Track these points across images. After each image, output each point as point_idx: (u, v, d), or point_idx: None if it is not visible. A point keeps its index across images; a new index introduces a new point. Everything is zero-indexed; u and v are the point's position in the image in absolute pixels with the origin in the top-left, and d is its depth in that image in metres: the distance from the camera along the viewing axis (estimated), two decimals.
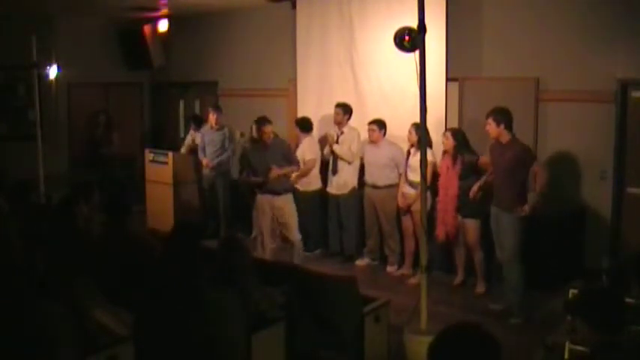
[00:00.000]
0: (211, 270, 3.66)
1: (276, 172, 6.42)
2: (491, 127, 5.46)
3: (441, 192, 6.27)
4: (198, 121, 9.04)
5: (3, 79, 9.79)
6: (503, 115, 5.44)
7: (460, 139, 6.15)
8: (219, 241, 4.25)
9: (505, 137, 5.44)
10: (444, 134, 6.28)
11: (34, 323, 3.09)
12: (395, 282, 6.59)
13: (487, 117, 5.51)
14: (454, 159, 6.12)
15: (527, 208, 5.34)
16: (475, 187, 5.85)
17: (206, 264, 3.66)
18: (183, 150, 8.94)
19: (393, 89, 7.20)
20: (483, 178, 5.85)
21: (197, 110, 10.04)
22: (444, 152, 6.31)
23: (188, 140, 9.00)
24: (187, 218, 8.07)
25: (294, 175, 6.95)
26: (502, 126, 5.42)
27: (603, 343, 2.56)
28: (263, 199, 6.59)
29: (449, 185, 6.16)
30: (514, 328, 5.28)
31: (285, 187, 6.57)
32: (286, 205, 6.56)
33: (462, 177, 6.07)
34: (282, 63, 8.63)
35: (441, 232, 6.27)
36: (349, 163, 7.11)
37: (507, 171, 5.40)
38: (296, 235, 6.65)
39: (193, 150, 8.81)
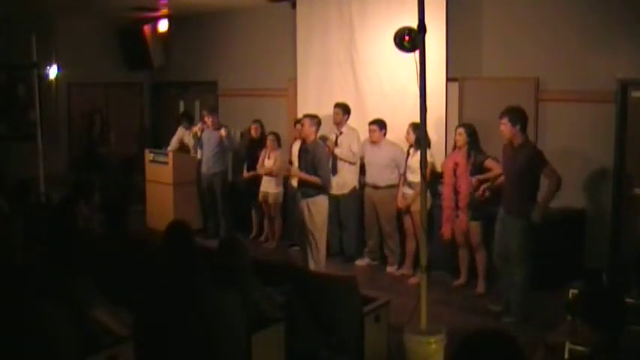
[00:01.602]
0: (211, 270, 3.66)
1: (292, 170, 6.41)
2: (507, 128, 5.29)
3: (447, 189, 6.21)
4: (189, 119, 9.03)
5: (3, 79, 9.79)
6: (519, 116, 5.29)
7: (472, 135, 6.08)
8: (218, 242, 4.25)
9: (518, 139, 5.29)
10: (457, 130, 6.20)
11: (34, 323, 3.09)
12: (395, 282, 6.59)
13: (502, 116, 5.32)
14: (468, 155, 6.03)
15: (535, 216, 5.21)
16: (481, 189, 5.80)
17: (205, 264, 3.66)
18: (170, 148, 8.89)
19: (393, 89, 7.20)
20: (489, 178, 5.79)
21: (197, 110, 10.04)
22: (455, 148, 6.25)
23: (177, 138, 8.95)
24: (179, 218, 8.05)
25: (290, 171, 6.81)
26: (518, 127, 5.26)
27: (603, 343, 2.56)
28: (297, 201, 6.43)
29: (460, 183, 6.08)
30: (513, 328, 5.27)
31: (312, 190, 6.13)
32: (310, 208, 6.12)
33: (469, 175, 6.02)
34: (282, 63, 8.62)
35: (447, 231, 6.23)
36: (352, 163, 7.10)
37: (518, 175, 5.29)
38: (315, 242, 6.16)
39: (183, 149, 8.80)
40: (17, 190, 5.40)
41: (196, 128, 8.36)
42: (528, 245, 5.32)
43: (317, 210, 6.14)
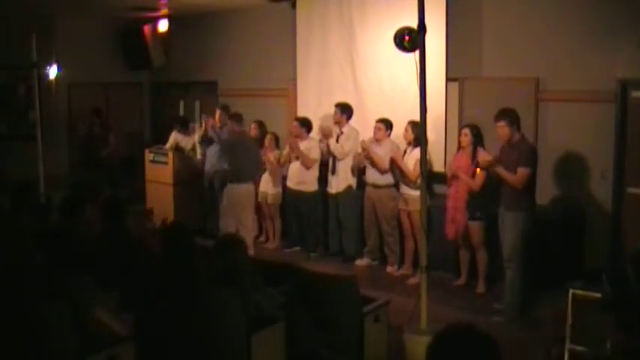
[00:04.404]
0: (210, 270, 3.66)
1: None
2: (506, 131, 5.38)
3: (452, 190, 6.22)
4: (183, 124, 9.00)
5: (3, 79, 9.79)
6: (515, 117, 5.40)
7: (477, 136, 6.09)
8: (216, 241, 4.24)
9: (515, 138, 5.41)
10: (462, 130, 6.21)
11: (34, 323, 3.09)
12: (395, 282, 6.59)
13: (498, 120, 5.40)
14: (473, 156, 6.03)
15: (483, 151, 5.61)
16: (489, 157, 5.68)
17: (205, 264, 3.67)
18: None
19: (393, 89, 7.20)
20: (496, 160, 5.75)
21: (197, 110, 10.01)
22: (459, 148, 6.26)
23: (171, 142, 8.92)
24: (178, 219, 8.05)
25: (296, 148, 7.33)
26: (515, 127, 5.39)
27: (627, 345, 2.53)
28: None
29: (461, 182, 6.10)
30: (513, 328, 5.27)
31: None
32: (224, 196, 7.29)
33: (472, 176, 6.02)
34: (282, 63, 8.62)
35: (451, 231, 6.23)
36: (339, 159, 7.12)
37: (513, 170, 5.35)
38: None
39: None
40: (18, 190, 5.39)
41: (183, 143, 8.38)
42: (522, 242, 5.34)
43: (226, 197, 7.14)
